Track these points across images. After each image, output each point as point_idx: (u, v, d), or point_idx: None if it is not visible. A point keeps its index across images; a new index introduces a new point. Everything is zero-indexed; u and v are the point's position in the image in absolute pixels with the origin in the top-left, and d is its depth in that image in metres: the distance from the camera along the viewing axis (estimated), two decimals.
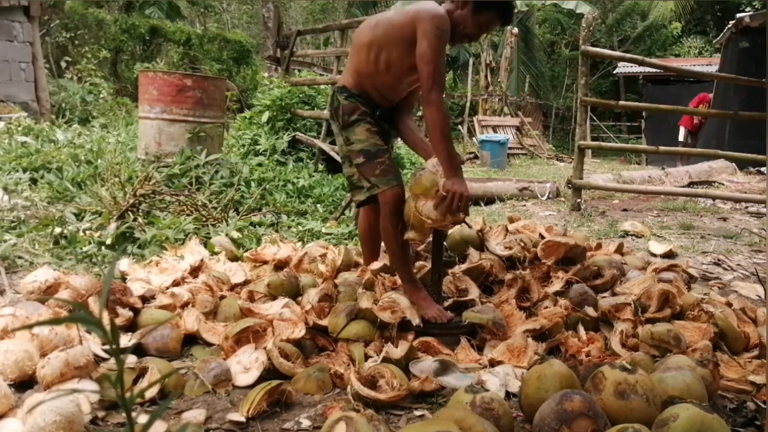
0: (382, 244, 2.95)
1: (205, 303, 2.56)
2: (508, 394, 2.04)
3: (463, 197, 2.31)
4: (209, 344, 2.36)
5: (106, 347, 2.16)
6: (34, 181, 5.19)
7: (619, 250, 3.54)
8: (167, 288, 2.77)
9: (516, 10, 16.08)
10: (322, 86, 7.51)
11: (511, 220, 3.60)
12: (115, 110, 11.54)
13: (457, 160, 2.39)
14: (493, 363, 2.22)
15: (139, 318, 2.46)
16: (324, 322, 2.42)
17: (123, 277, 2.89)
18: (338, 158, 6.26)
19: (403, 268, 2.55)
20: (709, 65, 15.61)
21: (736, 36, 11.17)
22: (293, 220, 4.54)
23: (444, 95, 2.40)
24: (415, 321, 2.35)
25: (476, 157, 11.90)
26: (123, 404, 0.68)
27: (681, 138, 12.89)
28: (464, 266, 2.85)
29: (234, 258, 3.40)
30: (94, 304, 2.40)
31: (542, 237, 3.20)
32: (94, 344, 2.15)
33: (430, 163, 2.46)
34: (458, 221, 2.41)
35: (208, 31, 18.04)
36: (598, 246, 3.58)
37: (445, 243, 2.89)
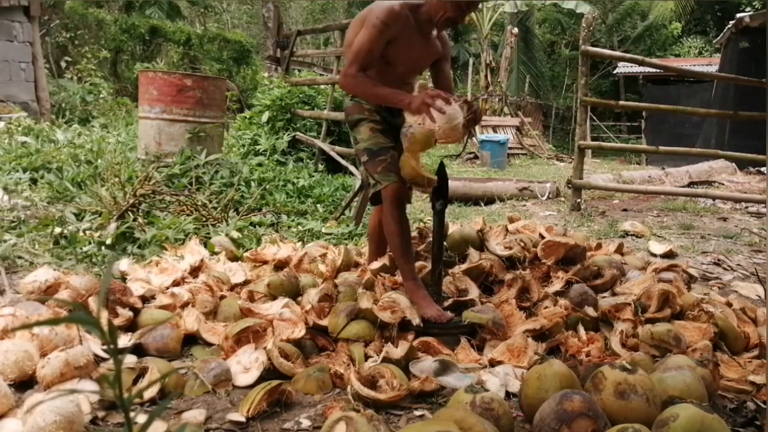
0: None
1: (205, 303, 2.56)
2: (508, 394, 2.04)
3: (431, 96, 2.31)
4: (209, 344, 2.35)
5: (106, 347, 2.16)
6: (34, 181, 5.19)
7: (619, 250, 3.54)
8: (167, 288, 2.77)
9: (516, 10, 16.10)
10: (322, 86, 7.51)
11: (511, 220, 3.60)
12: (115, 110, 11.55)
13: (396, 91, 2.45)
14: (493, 363, 2.22)
15: (139, 318, 2.46)
16: (324, 322, 2.42)
17: (123, 277, 2.89)
18: (338, 158, 6.29)
19: (405, 265, 2.56)
20: (709, 65, 15.60)
21: (736, 36, 11.17)
22: (293, 220, 4.54)
23: (359, 69, 2.43)
24: (415, 321, 2.35)
25: (476, 157, 11.90)
26: (121, 404, 0.68)
27: None
28: (464, 266, 2.85)
29: (234, 258, 3.40)
30: (94, 304, 2.41)
31: (542, 237, 3.19)
32: (94, 344, 2.15)
33: (411, 120, 2.42)
34: (460, 122, 2.32)
35: (208, 31, 18.04)
36: (598, 246, 3.58)
37: (445, 243, 2.89)
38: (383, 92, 2.46)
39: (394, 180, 2.51)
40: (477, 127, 13.50)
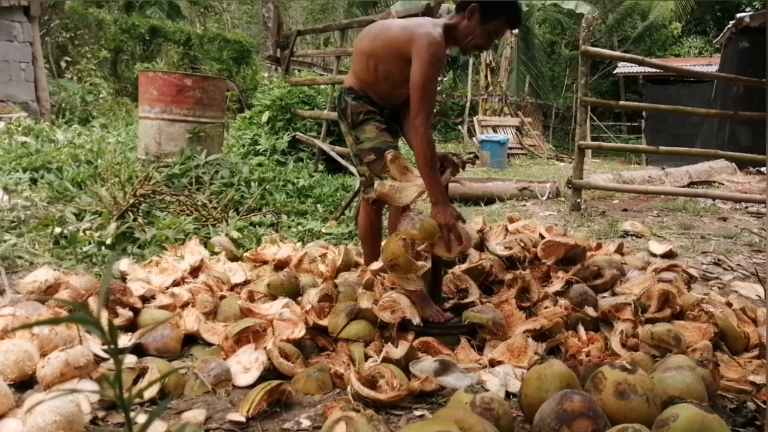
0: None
1: (205, 303, 2.56)
2: (508, 394, 2.04)
3: (451, 228, 2.34)
4: (209, 344, 2.36)
5: (106, 347, 2.17)
6: (34, 181, 5.19)
7: (619, 250, 3.54)
8: (167, 288, 2.77)
9: None
10: (322, 86, 7.51)
11: (511, 220, 3.60)
12: (115, 110, 11.55)
13: (442, 189, 2.42)
14: (493, 363, 2.22)
15: (139, 318, 2.46)
16: (324, 322, 2.42)
17: (123, 277, 2.89)
18: (338, 158, 6.29)
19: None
20: (709, 65, 15.61)
21: (736, 36, 11.17)
22: (293, 220, 4.54)
23: (431, 120, 2.43)
24: (416, 320, 2.35)
25: (476, 157, 11.90)
26: (121, 404, 0.68)
27: None
28: (464, 266, 2.85)
29: (234, 258, 3.40)
30: (94, 304, 2.40)
31: (542, 237, 3.19)
32: (94, 344, 2.15)
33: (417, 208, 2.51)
34: (463, 250, 2.45)
35: (208, 31, 18.03)
36: (598, 246, 3.58)
37: None
38: (434, 177, 2.39)
39: None
40: (477, 127, 13.52)
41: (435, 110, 2.52)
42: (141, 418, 1.65)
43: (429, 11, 5.44)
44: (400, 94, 2.64)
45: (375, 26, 2.66)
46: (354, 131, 2.65)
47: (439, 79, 18.67)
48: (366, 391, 1.90)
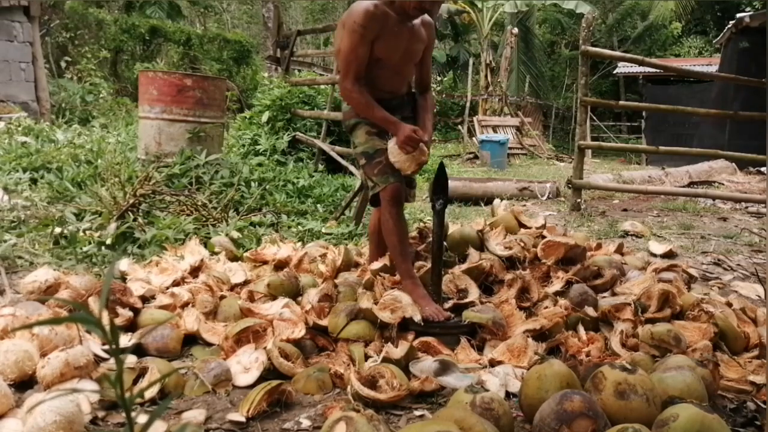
0: None
1: (205, 303, 2.56)
2: (508, 394, 2.04)
3: (407, 137, 2.47)
4: (209, 344, 2.36)
5: (106, 347, 2.17)
6: (34, 181, 5.19)
7: (619, 250, 3.54)
8: (167, 288, 2.77)
9: (516, 10, 16.10)
10: (322, 86, 7.51)
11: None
12: (115, 110, 11.55)
13: (389, 116, 2.55)
14: (493, 363, 2.22)
15: (139, 318, 2.46)
16: (324, 322, 2.42)
17: (123, 277, 2.89)
18: (338, 158, 6.29)
19: (403, 264, 2.60)
20: (709, 65, 15.61)
21: (736, 36, 11.17)
22: (293, 220, 4.54)
23: (356, 81, 2.53)
24: (417, 317, 2.36)
25: (476, 157, 11.91)
26: (123, 404, 0.68)
27: None
28: (464, 266, 2.85)
29: (234, 258, 3.40)
30: (94, 304, 2.40)
31: (542, 237, 3.19)
32: (94, 344, 2.15)
33: (390, 147, 2.60)
34: (421, 161, 2.58)
35: (208, 31, 18.02)
36: (598, 246, 3.58)
37: (445, 243, 2.89)
38: (377, 114, 2.56)
39: (391, 181, 2.58)
40: (477, 127, 13.52)
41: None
42: (141, 418, 1.65)
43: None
44: (384, 77, 2.65)
45: (339, 23, 2.72)
46: (350, 136, 2.77)
47: (439, 78, 18.55)
48: (366, 391, 1.90)
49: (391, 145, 2.57)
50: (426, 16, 2.69)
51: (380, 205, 2.70)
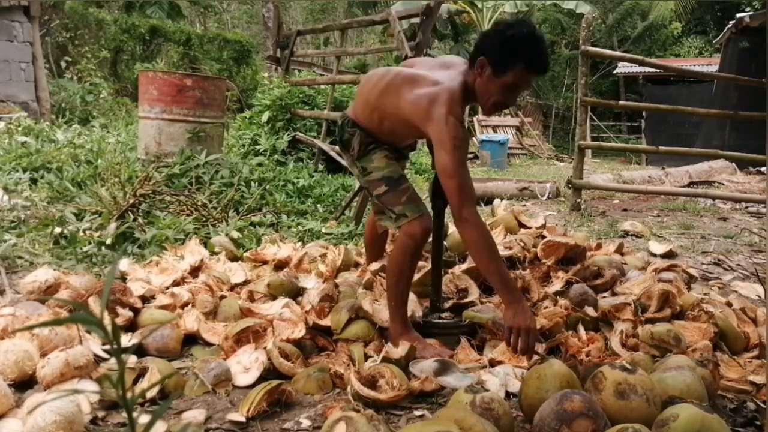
0: (387, 247, 2.96)
1: (205, 303, 2.56)
2: (508, 394, 2.04)
3: (530, 332, 2.01)
4: (209, 344, 2.36)
5: (106, 347, 2.17)
6: (34, 181, 5.19)
7: (619, 250, 3.54)
8: (167, 288, 2.77)
9: (516, 11, 16.10)
10: (322, 86, 7.51)
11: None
12: (115, 110, 11.54)
13: (514, 284, 2.11)
14: (493, 363, 2.22)
15: (139, 318, 2.46)
16: (324, 322, 2.42)
17: (123, 277, 2.89)
18: (338, 158, 6.29)
19: (398, 309, 2.32)
20: (709, 65, 15.61)
21: (736, 36, 11.17)
22: (293, 220, 4.54)
23: (475, 207, 2.07)
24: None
25: (476, 157, 11.91)
26: (124, 404, 0.68)
27: None
28: (464, 266, 2.85)
29: (234, 258, 3.40)
30: (94, 304, 2.40)
31: (542, 237, 3.19)
32: (94, 344, 2.15)
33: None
34: (528, 359, 2.11)
35: (208, 31, 18.02)
36: (598, 246, 3.58)
37: (445, 243, 2.89)
38: (501, 270, 2.06)
39: (423, 211, 2.25)
40: (477, 127, 13.52)
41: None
42: (142, 419, 1.65)
43: (429, 11, 5.44)
44: (405, 142, 2.49)
45: (386, 76, 2.29)
46: (360, 162, 2.37)
47: None
48: (366, 391, 1.90)
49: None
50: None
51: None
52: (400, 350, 2.16)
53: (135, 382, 1.96)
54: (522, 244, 3.08)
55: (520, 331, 2.02)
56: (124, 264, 3.04)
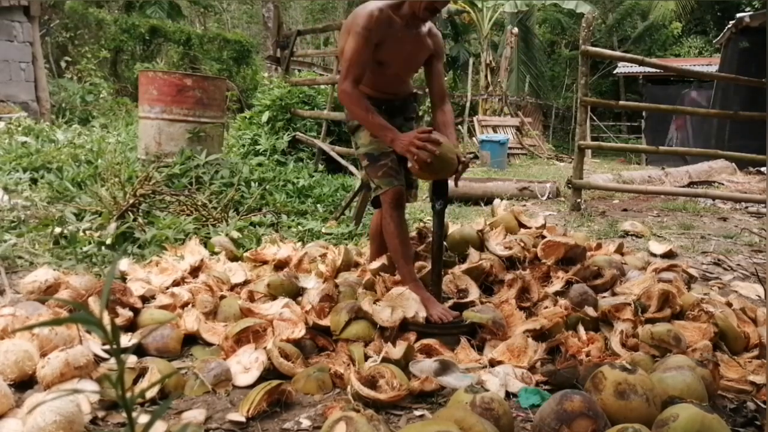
0: None
1: (205, 303, 2.56)
2: (508, 394, 2.04)
3: (413, 143, 2.35)
4: (209, 344, 2.35)
5: (106, 347, 2.17)
6: (34, 181, 5.19)
7: (619, 250, 3.54)
8: (167, 288, 2.77)
9: (516, 10, 16.10)
10: (322, 86, 7.51)
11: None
12: (115, 110, 11.54)
13: (386, 125, 2.47)
14: (493, 363, 2.22)
15: (139, 318, 2.46)
16: (324, 322, 2.42)
17: (123, 277, 2.89)
18: (338, 158, 6.29)
19: (405, 267, 2.60)
20: (709, 65, 15.61)
21: (736, 36, 11.17)
22: (293, 220, 4.54)
23: (354, 84, 2.46)
24: (423, 314, 2.39)
25: (476, 157, 11.91)
26: (124, 404, 0.68)
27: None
28: (464, 266, 2.85)
29: (234, 258, 3.40)
30: (94, 304, 2.40)
31: (542, 237, 3.19)
32: (94, 344, 2.15)
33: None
34: (444, 158, 2.40)
35: (208, 31, 18.02)
36: (598, 246, 3.58)
37: (445, 243, 2.89)
38: (374, 121, 2.47)
39: (394, 184, 2.57)
40: (477, 127, 13.53)
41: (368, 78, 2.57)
42: (142, 419, 1.65)
43: None
44: (388, 80, 2.66)
45: (343, 25, 2.68)
46: (353, 137, 2.74)
47: None
48: (366, 391, 1.90)
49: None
50: (433, 28, 2.69)
51: (381, 206, 2.70)
52: (398, 350, 2.16)
53: (135, 382, 1.96)
54: (522, 244, 3.08)
55: (410, 149, 2.35)
56: (124, 264, 3.04)
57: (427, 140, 2.35)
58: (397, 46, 2.55)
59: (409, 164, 2.45)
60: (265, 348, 2.15)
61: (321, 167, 6.62)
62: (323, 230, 4.19)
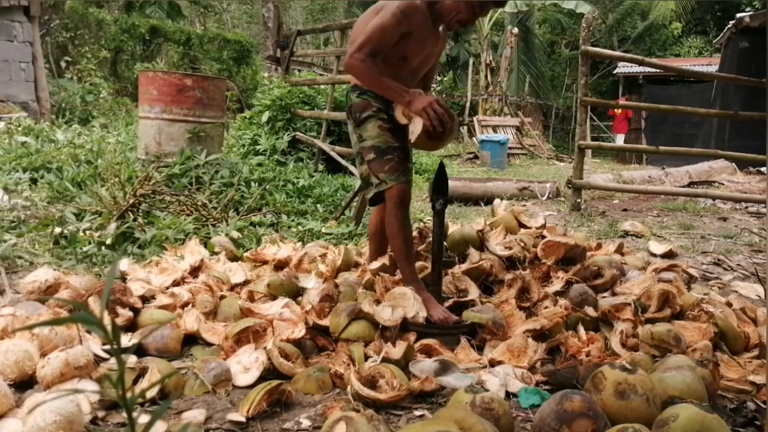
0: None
1: (205, 303, 2.56)
2: (508, 394, 2.04)
3: (432, 104, 2.35)
4: (209, 344, 2.35)
5: (107, 347, 2.17)
6: (34, 181, 5.19)
7: (619, 250, 3.54)
8: (167, 288, 2.77)
9: (516, 10, 16.10)
10: (322, 86, 7.51)
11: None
12: (115, 110, 11.55)
13: (401, 86, 2.43)
14: (493, 363, 2.22)
15: (139, 318, 2.46)
16: (324, 322, 2.42)
17: (123, 277, 2.88)
18: (338, 158, 6.29)
19: (407, 267, 2.57)
20: (709, 65, 15.62)
21: (736, 36, 11.18)
22: (293, 220, 4.54)
23: (369, 54, 2.39)
24: (423, 314, 2.38)
25: (476, 157, 11.91)
26: (124, 404, 0.68)
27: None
28: (464, 266, 2.85)
29: (234, 258, 3.40)
30: (94, 304, 2.40)
31: (542, 237, 3.19)
32: (94, 344, 2.15)
33: (398, 117, 2.53)
34: (452, 131, 2.45)
35: (208, 31, 18.03)
36: (598, 246, 3.58)
37: (445, 243, 2.89)
38: (388, 83, 2.42)
39: (402, 180, 2.52)
40: (477, 127, 13.52)
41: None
42: (142, 419, 1.65)
43: None
44: (404, 76, 2.60)
45: (364, 14, 2.63)
46: (358, 129, 2.62)
47: (439, 78, 18.60)
48: (366, 391, 1.90)
49: (398, 113, 2.49)
50: (443, 27, 2.68)
51: (378, 203, 2.69)
52: (398, 350, 2.16)
53: (135, 382, 1.96)
54: (522, 244, 3.08)
55: (429, 109, 2.34)
56: (124, 264, 3.04)
57: (446, 109, 2.37)
58: (422, 42, 2.54)
59: (412, 129, 2.44)
60: (265, 348, 2.15)
61: (321, 167, 6.63)
62: (323, 230, 4.19)
